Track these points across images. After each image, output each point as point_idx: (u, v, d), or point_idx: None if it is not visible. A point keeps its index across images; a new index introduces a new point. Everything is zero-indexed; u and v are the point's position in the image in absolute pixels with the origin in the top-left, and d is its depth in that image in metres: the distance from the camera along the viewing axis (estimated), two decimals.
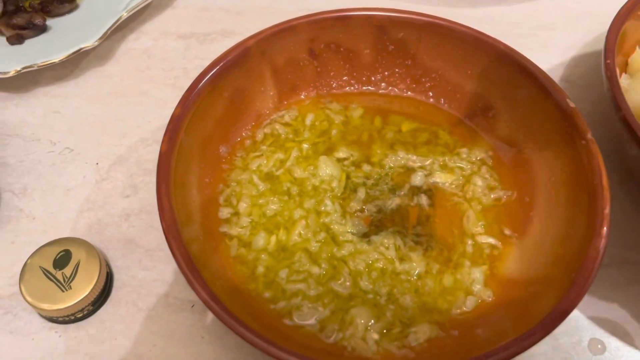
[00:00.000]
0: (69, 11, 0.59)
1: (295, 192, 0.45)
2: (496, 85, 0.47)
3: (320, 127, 0.49)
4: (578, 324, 0.43)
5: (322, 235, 0.43)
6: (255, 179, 0.45)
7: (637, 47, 0.51)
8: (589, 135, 0.40)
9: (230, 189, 0.45)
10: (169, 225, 0.36)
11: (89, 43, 0.54)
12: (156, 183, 0.38)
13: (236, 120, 0.47)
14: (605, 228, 0.36)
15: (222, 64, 0.44)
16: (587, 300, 0.35)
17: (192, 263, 0.35)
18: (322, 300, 0.40)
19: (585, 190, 0.39)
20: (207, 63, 0.45)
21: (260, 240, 0.42)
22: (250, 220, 0.43)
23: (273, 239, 0.42)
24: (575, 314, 0.44)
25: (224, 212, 0.44)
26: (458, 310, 0.40)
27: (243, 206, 0.44)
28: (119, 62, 0.59)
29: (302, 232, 0.42)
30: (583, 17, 0.64)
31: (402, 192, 0.45)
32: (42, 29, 0.57)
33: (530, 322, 0.35)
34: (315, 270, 0.41)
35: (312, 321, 0.39)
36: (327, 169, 0.46)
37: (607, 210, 0.37)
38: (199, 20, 0.63)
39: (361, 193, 0.45)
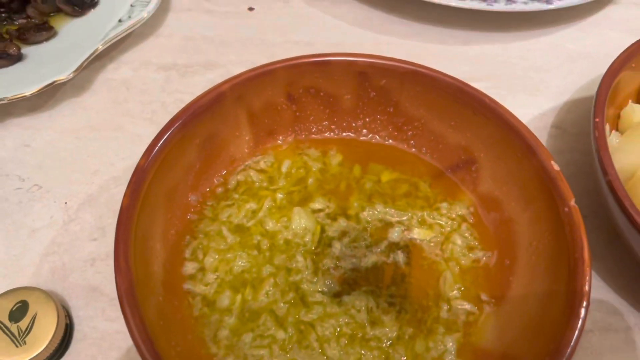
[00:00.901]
0: (47, 39, 0.57)
1: (266, 247, 0.43)
2: (480, 139, 0.45)
3: (297, 175, 0.47)
4: None
5: (291, 295, 0.41)
6: (225, 230, 0.43)
7: (630, 102, 0.49)
8: (572, 203, 0.38)
9: (197, 241, 0.43)
10: (125, 290, 0.34)
11: (62, 76, 0.52)
12: (114, 241, 0.36)
13: (208, 167, 0.45)
14: (583, 309, 0.34)
15: (193, 110, 0.42)
16: None
17: (147, 333, 0.33)
18: None
19: (565, 261, 0.37)
20: (186, 97, 0.43)
21: (225, 299, 0.40)
22: (216, 276, 0.41)
23: (239, 298, 0.40)
24: None
25: (189, 267, 0.42)
26: None
27: (209, 261, 0.42)
28: (96, 93, 0.57)
29: (269, 291, 0.41)
30: (579, 59, 0.62)
31: (379, 249, 0.44)
32: (17, 59, 0.55)
33: None
34: (281, 334, 0.39)
35: None
36: (301, 221, 0.44)
37: (586, 288, 0.35)
38: (182, 50, 0.61)
39: (336, 249, 0.43)
